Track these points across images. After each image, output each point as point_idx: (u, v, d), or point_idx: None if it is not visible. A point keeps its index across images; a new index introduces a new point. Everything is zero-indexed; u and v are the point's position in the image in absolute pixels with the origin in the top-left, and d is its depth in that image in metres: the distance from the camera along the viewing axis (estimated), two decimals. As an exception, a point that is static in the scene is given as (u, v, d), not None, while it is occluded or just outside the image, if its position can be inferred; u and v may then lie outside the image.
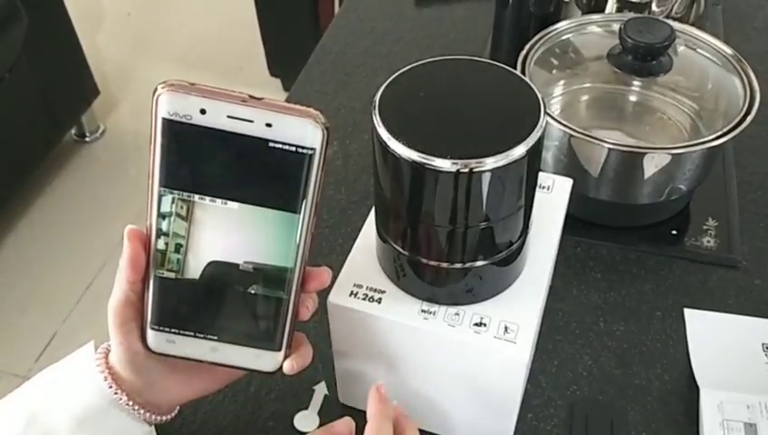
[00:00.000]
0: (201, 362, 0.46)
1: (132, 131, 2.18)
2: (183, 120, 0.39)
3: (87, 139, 2.14)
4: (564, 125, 0.66)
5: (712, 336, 0.65)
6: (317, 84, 0.94)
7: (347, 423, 0.48)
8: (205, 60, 2.41)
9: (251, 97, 0.39)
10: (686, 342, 0.65)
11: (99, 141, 2.15)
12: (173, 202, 0.41)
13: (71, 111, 2.04)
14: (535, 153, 0.44)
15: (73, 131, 2.13)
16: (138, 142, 2.14)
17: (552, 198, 0.57)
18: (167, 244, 0.42)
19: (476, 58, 0.48)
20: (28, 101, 1.83)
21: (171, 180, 0.41)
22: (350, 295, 0.51)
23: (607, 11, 0.87)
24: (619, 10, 0.87)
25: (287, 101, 0.91)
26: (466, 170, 0.42)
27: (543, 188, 0.58)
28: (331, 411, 0.61)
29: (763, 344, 0.64)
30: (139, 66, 2.41)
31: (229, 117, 0.39)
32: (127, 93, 2.30)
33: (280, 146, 0.40)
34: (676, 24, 0.73)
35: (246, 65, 2.34)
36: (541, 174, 0.56)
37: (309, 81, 0.95)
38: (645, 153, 0.66)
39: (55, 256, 1.84)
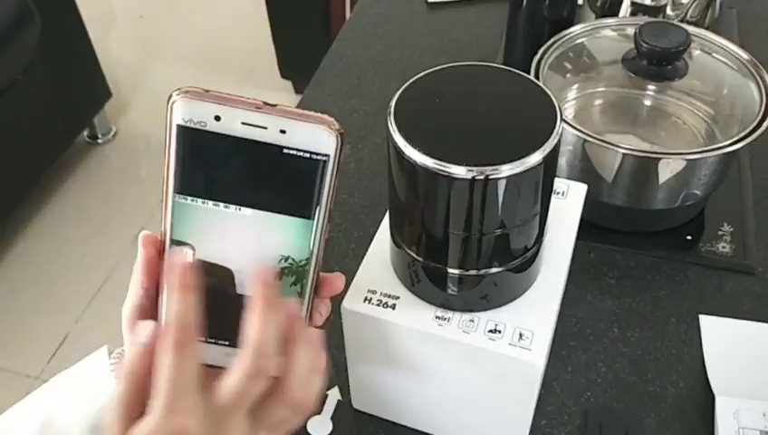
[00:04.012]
0: (215, 367, 0.46)
1: (144, 133, 2.19)
2: (198, 126, 0.39)
3: (99, 140, 2.15)
4: (578, 130, 0.66)
5: (727, 343, 0.65)
6: (329, 88, 0.94)
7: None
8: (216, 62, 2.41)
9: (265, 103, 0.39)
10: (702, 348, 0.64)
11: (111, 143, 2.16)
12: (187, 208, 0.41)
13: (83, 112, 2.05)
14: (551, 160, 0.44)
15: (86, 133, 2.14)
16: (149, 144, 2.14)
17: (567, 203, 0.57)
18: (180, 250, 0.42)
19: (492, 64, 0.48)
20: (41, 103, 1.84)
21: (185, 187, 0.41)
22: (365, 301, 0.51)
23: (621, 15, 0.87)
24: (634, 14, 0.86)
25: (300, 105, 0.92)
26: (482, 177, 0.41)
27: (558, 193, 0.57)
28: (344, 417, 0.61)
29: (779, 352, 0.64)
30: (151, 68, 2.42)
31: (244, 123, 0.39)
32: (139, 95, 2.31)
33: (294, 152, 0.40)
34: (690, 29, 0.72)
35: (258, 67, 2.35)
36: (555, 180, 0.55)
37: (321, 84, 0.95)
38: (660, 158, 0.65)
39: (67, 256, 1.84)
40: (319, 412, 0.61)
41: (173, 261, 0.39)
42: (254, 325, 0.39)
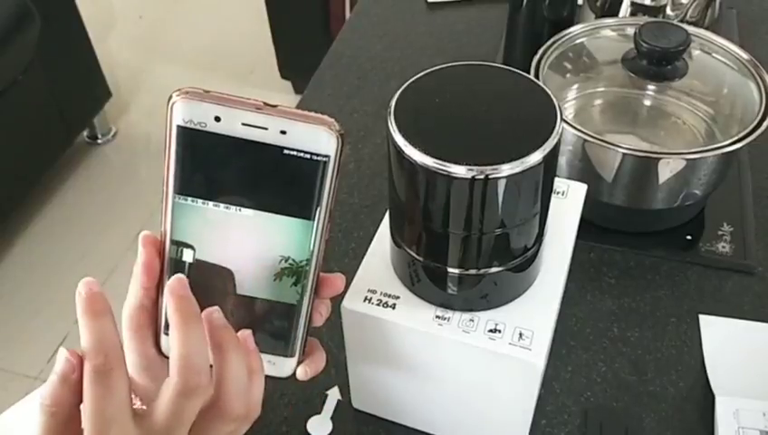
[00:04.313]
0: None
1: (144, 134, 2.19)
2: (198, 127, 0.39)
3: (99, 141, 2.15)
4: (578, 130, 0.66)
5: (727, 343, 0.65)
6: (329, 88, 0.94)
7: None
8: (216, 62, 2.41)
9: (266, 104, 0.39)
10: (702, 348, 0.64)
11: (110, 143, 2.16)
12: (187, 209, 0.41)
13: (83, 113, 2.05)
14: (551, 159, 0.44)
15: (85, 133, 2.14)
16: (149, 144, 2.14)
17: (567, 203, 0.57)
18: (180, 250, 0.42)
19: (492, 63, 0.48)
20: (41, 104, 1.84)
21: (185, 187, 0.41)
22: (365, 301, 0.51)
23: (621, 15, 0.87)
24: (634, 14, 0.86)
25: (300, 105, 0.92)
26: (482, 177, 0.41)
27: (558, 193, 0.58)
28: (344, 417, 0.61)
29: (779, 351, 0.64)
30: (151, 69, 2.42)
31: (244, 124, 0.39)
32: (138, 96, 2.31)
33: (294, 153, 0.40)
34: (690, 29, 0.72)
35: (258, 68, 2.35)
36: (555, 179, 0.55)
37: (321, 85, 0.95)
38: (660, 158, 0.65)
39: (67, 256, 1.85)
40: (319, 412, 0.61)
41: (80, 289, 0.38)
42: (174, 341, 0.37)
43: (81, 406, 0.36)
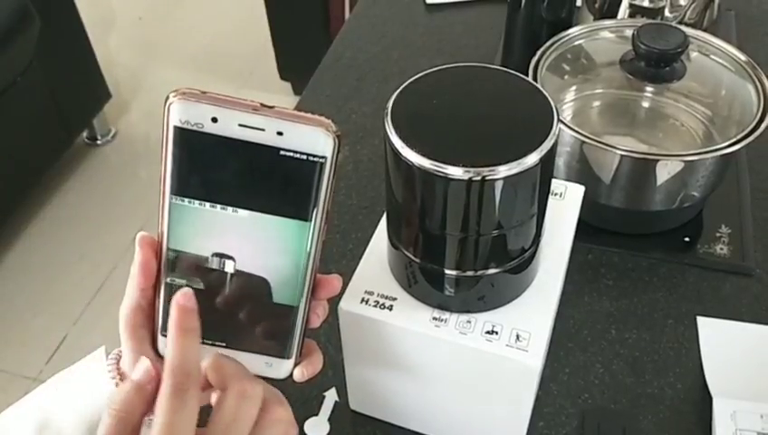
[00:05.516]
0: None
1: (143, 135, 2.19)
2: (194, 128, 0.39)
3: (98, 142, 2.15)
4: (576, 131, 0.66)
5: (725, 345, 0.65)
6: (328, 89, 0.94)
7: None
8: (216, 63, 2.41)
9: (262, 105, 0.39)
10: (699, 350, 0.64)
11: (110, 144, 2.16)
12: (184, 210, 0.41)
13: (82, 114, 2.05)
14: (548, 161, 0.44)
15: (85, 134, 2.14)
16: (149, 145, 2.14)
17: (565, 204, 0.57)
18: (177, 251, 0.42)
19: (489, 65, 0.48)
20: (40, 104, 1.84)
21: (182, 188, 0.41)
22: (362, 302, 0.51)
23: (619, 16, 0.87)
24: (632, 16, 0.86)
25: (299, 106, 0.92)
26: (479, 178, 0.41)
27: (556, 194, 0.58)
28: (341, 418, 0.61)
29: (776, 353, 0.64)
30: (151, 70, 2.42)
31: (241, 125, 0.39)
32: (138, 97, 2.31)
33: (291, 154, 0.40)
34: (689, 30, 0.72)
35: (257, 69, 2.35)
36: (553, 181, 0.55)
37: (320, 86, 0.95)
38: (657, 160, 0.65)
39: (66, 258, 1.84)
40: (316, 413, 0.61)
41: (177, 297, 0.39)
42: (168, 350, 0.38)
43: (148, 416, 0.38)
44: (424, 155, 0.42)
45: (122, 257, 1.81)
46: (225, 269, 0.43)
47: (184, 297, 0.39)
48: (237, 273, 0.43)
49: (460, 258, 0.47)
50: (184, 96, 0.39)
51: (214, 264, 0.42)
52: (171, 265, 0.43)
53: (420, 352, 0.51)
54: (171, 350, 0.38)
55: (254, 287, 0.43)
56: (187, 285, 0.43)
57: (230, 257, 0.42)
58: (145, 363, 0.39)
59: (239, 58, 2.42)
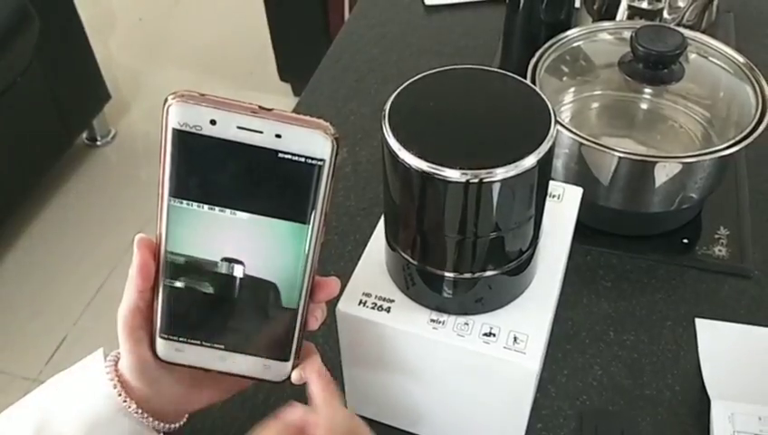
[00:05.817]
0: (210, 371, 0.46)
1: (143, 136, 2.19)
2: (193, 130, 0.39)
3: (98, 143, 2.15)
4: (575, 133, 0.66)
5: (723, 346, 0.65)
6: (327, 91, 0.94)
7: (295, 411, 0.45)
8: (215, 64, 2.42)
9: (261, 108, 0.39)
10: (698, 352, 0.64)
11: (110, 145, 2.16)
12: (182, 212, 0.41)
13: (82, 115, 2.05)
14: (546, 163, 0.44)
15: (85, 135, 2.14)
16: (148, 147, 2.15)
17: (563, 206, 0.57)
18: (176, 253, 0.42)
19: (487, 67, 0.48)
20: (40, 105, 1.84)
21: (181, 190, 0.41)
22: (359, 304, 0.51)
23: (618, 18, 0.87)
24: (630, 17, 0.86)
25: (298, 107, 0.92)
26: (476, 181, 0.41)
27: (554, 196, 0.58)
28: (339, 420, 0.60)
29: (775, 355, 0.64)
30: (151, 71, 2.42)
31: (239, 128, 0.39)
32: (138, 98, 2.31)
33: (289, 157, 0.40)
34: (687, 32, 0.72)
35: (257, 70, 2.35)
36: (551, 183, 0.56)
37: (319, 87, 0.95)
38: (656, 162, 0.65)
39: (66, 258, 1.85)
40: (315, 415, 0.61)
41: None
42: (322, 412, 0.44)
43: None
44: (421, 157, 0.42)
45: (122, 258, 1.81)
46: (231, 272, 0.43)
47: None
48: (235, 275, 0.43)
49: (458, 260, 0.47)
50: (182, 98, 0.39)
51: (222, 268, 0.43)
52: (170, 268, 0.43)
53: (418, 354, 0.51)
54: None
55: (252, 290, 0.43)
56: (186, 287, 0.43)
57: (239, 262, 0.43)
58: (299, 412, 0.45)
59: (239, 59, 2.42)
